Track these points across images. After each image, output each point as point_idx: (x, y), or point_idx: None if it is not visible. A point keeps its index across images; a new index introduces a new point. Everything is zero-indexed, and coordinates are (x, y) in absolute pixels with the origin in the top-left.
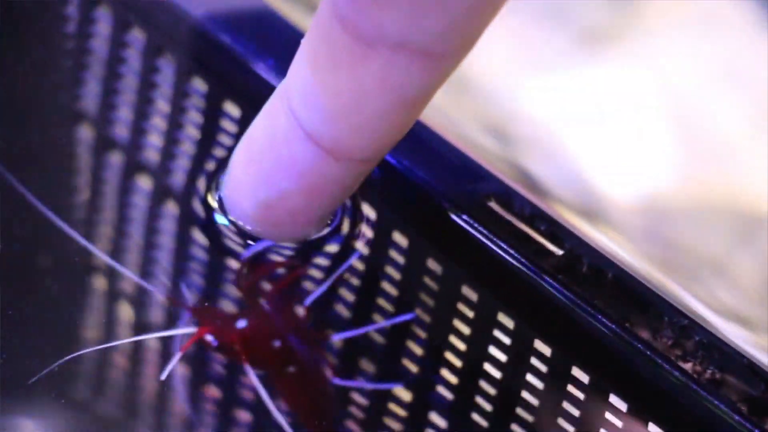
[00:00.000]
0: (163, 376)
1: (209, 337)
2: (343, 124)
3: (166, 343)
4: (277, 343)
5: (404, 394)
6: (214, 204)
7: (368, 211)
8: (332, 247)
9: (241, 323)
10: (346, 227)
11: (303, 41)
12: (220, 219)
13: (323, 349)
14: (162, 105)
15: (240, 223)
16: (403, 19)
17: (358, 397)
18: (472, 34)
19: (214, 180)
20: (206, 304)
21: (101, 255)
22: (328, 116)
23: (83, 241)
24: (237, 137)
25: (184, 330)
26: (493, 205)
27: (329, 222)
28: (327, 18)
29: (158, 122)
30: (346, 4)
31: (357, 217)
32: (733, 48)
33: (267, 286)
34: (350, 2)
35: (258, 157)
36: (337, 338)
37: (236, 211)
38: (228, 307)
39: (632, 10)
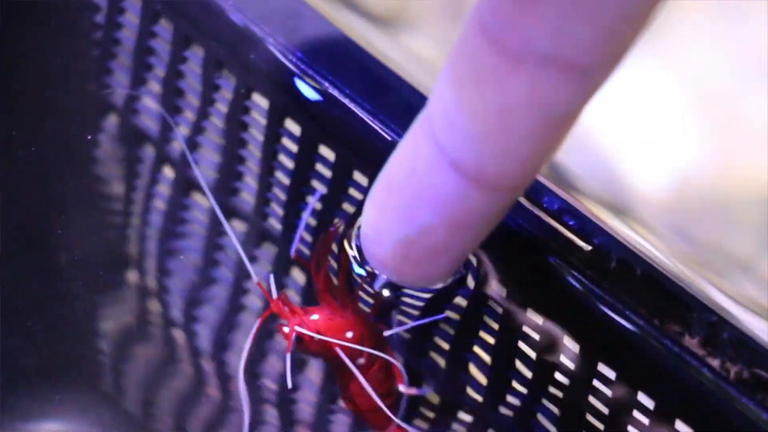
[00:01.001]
0: (242, 365)
1: (285, 329)
2: (489, 146)
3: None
4: (349, 334)
5: (432, 396)
6: (352, 252)
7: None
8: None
9: (315, 317)
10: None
11: (445, 63)
12: (357, 270)
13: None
14: (190, 96)
15: (376, 269)
16: (551, 31)
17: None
18: (622, 45)
19: (351, 227)
20: (283, 296)
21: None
22: (474, 138)
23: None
24: (265, 128)
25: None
26: (522, 199)
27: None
28: (472, 35)
29: (186, 114)
30: (493, 17)
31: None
32: (764, 39)
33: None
34: (496, 15)
35: (398, 190)
36: (388, 333)
37: (374, 251)
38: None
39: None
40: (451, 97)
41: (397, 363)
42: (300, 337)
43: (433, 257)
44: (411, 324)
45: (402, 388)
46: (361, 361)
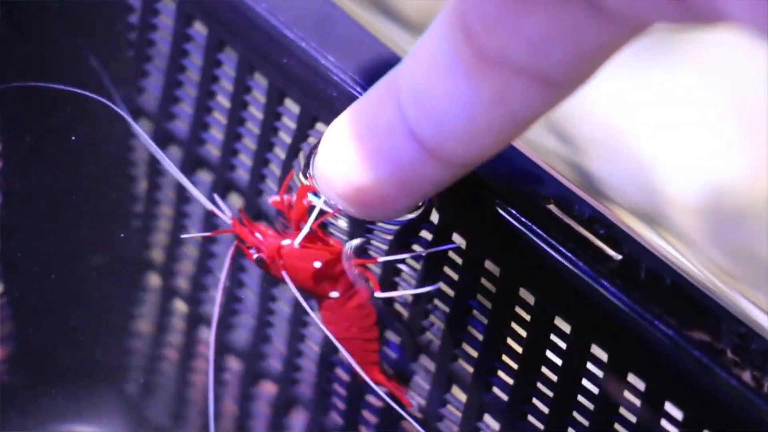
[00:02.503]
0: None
1: (252, 250)
2: (450, 130)
3: None
4: (317, 264)
5: (460, 395)
6: (305, 182)
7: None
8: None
9: (287, 242)
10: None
11: (422, 38)
12: (313, 199)
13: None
14: (223, 99)
15: (329, 199)
16: (529, 47)
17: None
18: (592, 67)
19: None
20: (243, 214)
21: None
22: (437, 120)
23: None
24: (296, 133)
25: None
26: (553, 207)
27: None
28: (452, 24)
29: (219, 116)
30: (475, 18)
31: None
32: None
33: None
34: (479, 18)
35: (358, 141)
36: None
37: (326, 187)
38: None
39: None
40: (422, 75)
41: (373, 275)
42: (262, 259)
43: (382, 204)
44: (384, 258)
45: (378, 294)
46: (335, 294)
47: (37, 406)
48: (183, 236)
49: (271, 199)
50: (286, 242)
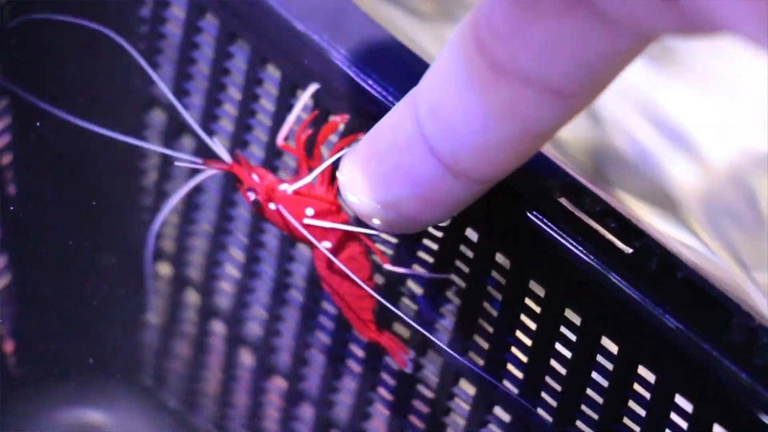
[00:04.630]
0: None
1: (249, 193)
2: (465, 144)
3: None
4: (309, 211)
5: (469, 388)
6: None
7: None
8: None
9: (284, 186)
10: None
11: (440, 53)
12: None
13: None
14: (234, 91)
15: (354, 207)
16: (538, 56)
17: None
18: (602, 80)
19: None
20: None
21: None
22: (452, 133)
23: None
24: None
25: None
26: (564, 200)
27: None
28: (466, 38)
29: (231, 109)
30: (486, 30)
31: None
32: None
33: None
34: (490, 29)
35: (379, 158)
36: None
37: (351, 198)
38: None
39: None
40: (438, 89)
41: (372, 245)
42: (258, 202)
43: (405, 221)
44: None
45: (388, 266)
46: (327, 244)
47: (47, 394)
48: (177, 164)
49: (279, 141)
50: (282, 186)
